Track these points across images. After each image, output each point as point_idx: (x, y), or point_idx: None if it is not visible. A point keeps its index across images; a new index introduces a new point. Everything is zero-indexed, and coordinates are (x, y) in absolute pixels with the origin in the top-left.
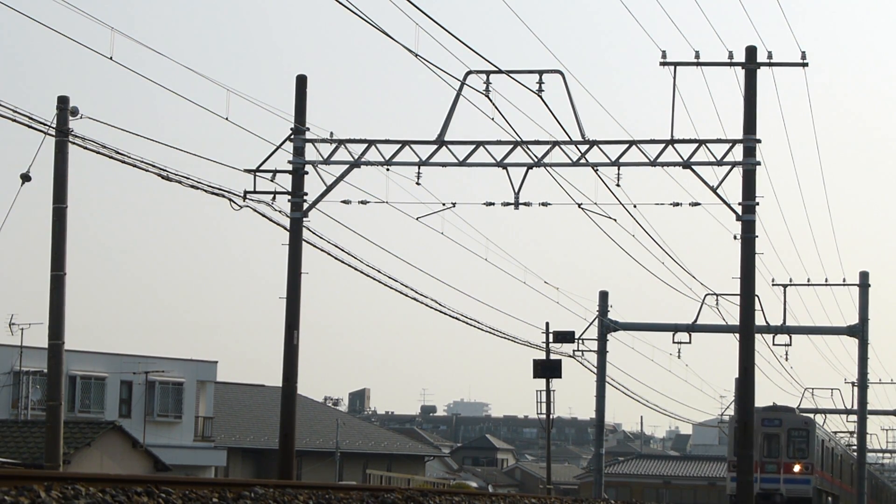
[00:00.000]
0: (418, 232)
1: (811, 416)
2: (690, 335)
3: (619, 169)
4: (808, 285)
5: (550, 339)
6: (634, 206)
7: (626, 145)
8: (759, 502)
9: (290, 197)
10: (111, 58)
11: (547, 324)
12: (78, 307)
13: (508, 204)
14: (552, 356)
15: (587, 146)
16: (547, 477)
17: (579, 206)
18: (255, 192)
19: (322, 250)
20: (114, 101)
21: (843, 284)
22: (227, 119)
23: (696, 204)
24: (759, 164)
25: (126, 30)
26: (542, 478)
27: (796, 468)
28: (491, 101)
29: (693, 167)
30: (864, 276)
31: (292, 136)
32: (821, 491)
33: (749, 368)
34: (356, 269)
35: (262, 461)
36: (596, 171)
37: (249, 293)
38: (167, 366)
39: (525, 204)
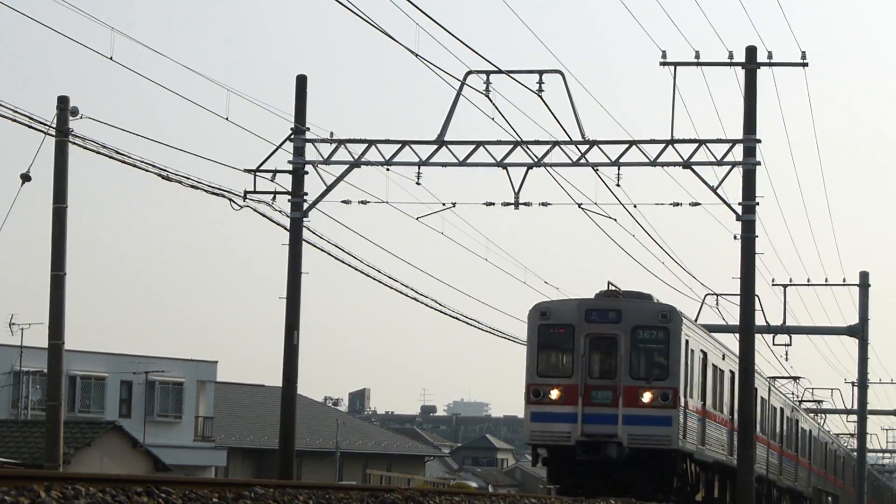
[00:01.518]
0: (418, 232)
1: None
2: None
3: (619, 169)
4: (808, 285)
5: None
6: (634, 206)
7: (626, 145)
8: (580, 455)
9: (290, 197)
10: (111, 58)
11: None
12: (78, 307)
13: (508, 204)
14: None
15: (587, 146)
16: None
17: (579, 206)
18: (255, 192)
19: (322, 250)
20: (114, 101)
21: (843, 284)
22: (227, 119)
23: (696, 204)
24: (759, 164)
25: (126, 30)
26: (542, 478)
27: (645, 397)
28: (491, 101)
29: (693, 167)
30: (864, 276)
31: (292, 136)
32: (706, 449)
33: (749, 368)
34: (356, 269)
35: (262, 461)
36: (596, 171)
37: (249, 293)
38: (167, 366)
39: (525, 204)
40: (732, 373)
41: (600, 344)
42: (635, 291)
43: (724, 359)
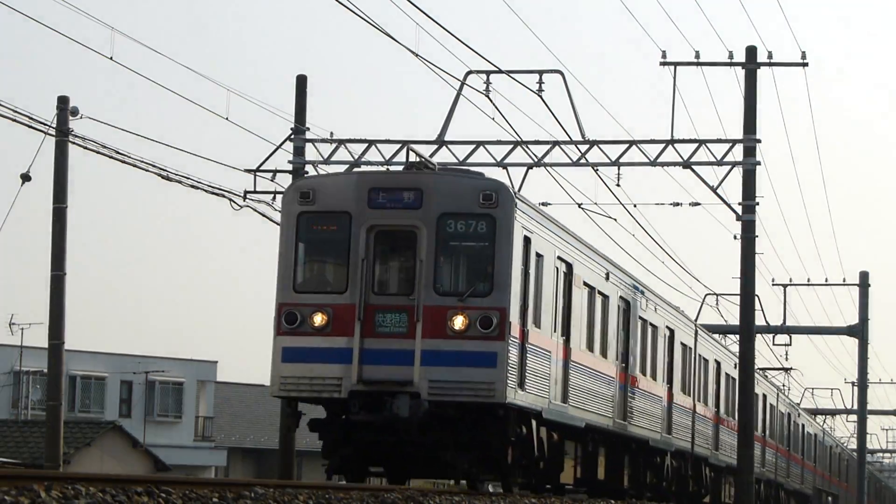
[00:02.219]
0: None
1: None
2: None
3: (619, 169)
4: (808, 285)
5: None
6: (634, 206)
7: (626, 145)
8: (355, 414)
9: None
10: (111, 58)
11: None
12: (78, 307)
13: None
14: None
15: (587, 146)
16: None
17: (579, 206)
18: (255, 192)
19: None
20: (114, 101)
21: (843, 284)
22: (227, 119)
23: (696, 204)
24: (759, 164)
25: (126, 30)
26: None
27: (457, 322)
28: (491, 101)
29: (693, 167)
30: (864, 276)
31: (292, 136)
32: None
33: (749, 368)
34: None
35: (262, 461)
36: (596, 171)
37: (250, 293)
38: (167, 366)
39: None
40: (627, 302)
41: (390, 241)
42: (453, 167)
43: (608, 279)
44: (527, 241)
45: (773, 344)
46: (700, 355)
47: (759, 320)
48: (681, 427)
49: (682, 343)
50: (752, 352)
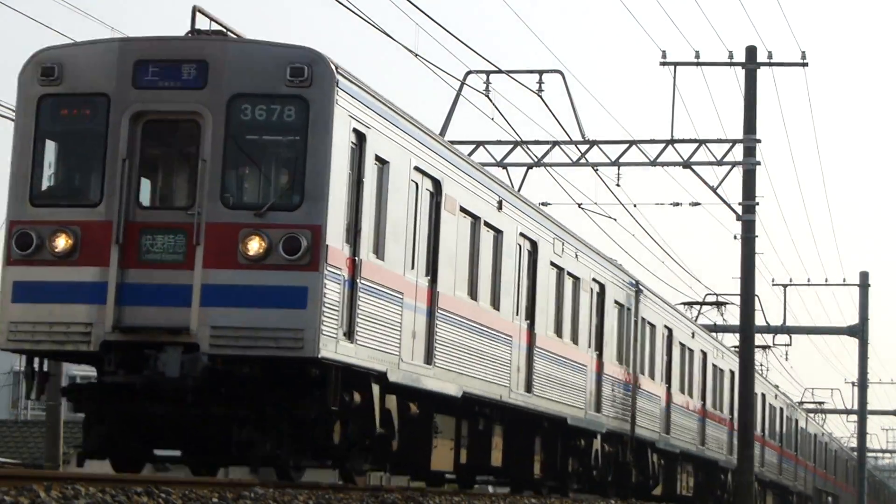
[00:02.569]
0: None
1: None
2: None
3: (619, 169)
4: (808, 285)
5: None
6: (634, 206)
7: (626, 145)
8: (108, 374)
9: None
10: None
11: None
12: None
13: None
14: None
15: (587, 146)
16: None
17: (579, 206)
18: None
19: None
20: None
21: (843, 284)
22: None
23: (696, 204)
24: (759, 164)
25: (126, 30)
26: None
27: (252, 246)
28: (491, 101)
29: (693, 167)
30: (864, 276)
31: None
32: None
33: (749, 368)
34: None
35: None
36: (596, 170)
37: None
38: None
39: None
40: (533, 243)
41: (163, 134)
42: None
43: (501, 209)
44: (359, 136)
45: (773, 344)
46: (644, 319)
47: (759, 320)
48: (615, 404)
49: (616, 301)
50: (752, 351)
